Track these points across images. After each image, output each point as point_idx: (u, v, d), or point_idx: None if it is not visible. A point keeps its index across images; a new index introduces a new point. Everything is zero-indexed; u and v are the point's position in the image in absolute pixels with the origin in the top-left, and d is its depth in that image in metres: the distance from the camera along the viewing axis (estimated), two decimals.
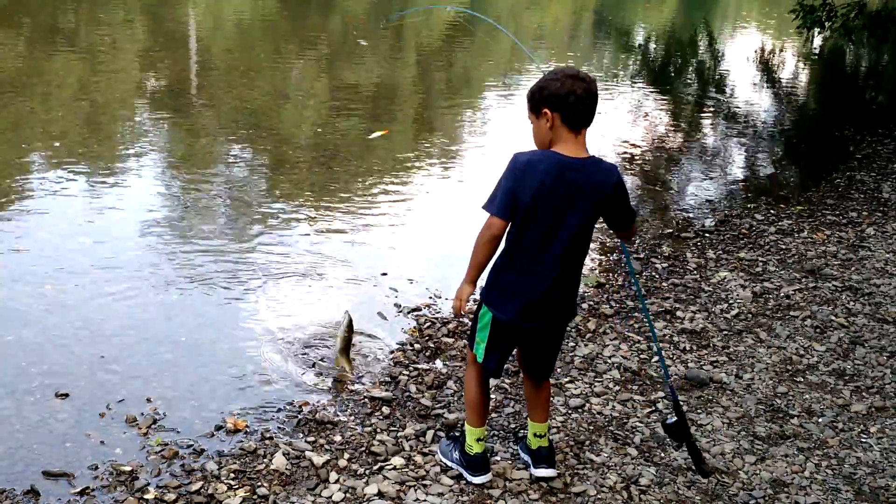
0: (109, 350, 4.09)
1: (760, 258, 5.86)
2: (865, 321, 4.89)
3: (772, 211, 7.08)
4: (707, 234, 6.42)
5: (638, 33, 20.36)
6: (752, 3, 28.50)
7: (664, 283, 5.36)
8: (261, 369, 4.04)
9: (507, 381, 3.99)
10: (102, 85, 9.72)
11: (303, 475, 3.21)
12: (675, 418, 3.21)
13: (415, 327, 4.60)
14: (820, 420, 3.86)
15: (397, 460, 3.30)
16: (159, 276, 4.92)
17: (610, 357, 4.31)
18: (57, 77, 9.83)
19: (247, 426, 3.56)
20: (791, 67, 16.40)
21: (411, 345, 4.38)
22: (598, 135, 7.39)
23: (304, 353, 4.22)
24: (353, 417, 3.66)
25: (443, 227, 6.17)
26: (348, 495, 3.08)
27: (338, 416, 3.67)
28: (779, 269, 5.65)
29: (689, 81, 14.25)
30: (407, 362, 4.19)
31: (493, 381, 3.94)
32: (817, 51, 17.10)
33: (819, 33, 13.82)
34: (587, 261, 4.06)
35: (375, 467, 3.26)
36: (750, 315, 4.93)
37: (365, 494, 3.08)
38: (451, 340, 4.42)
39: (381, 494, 3.08)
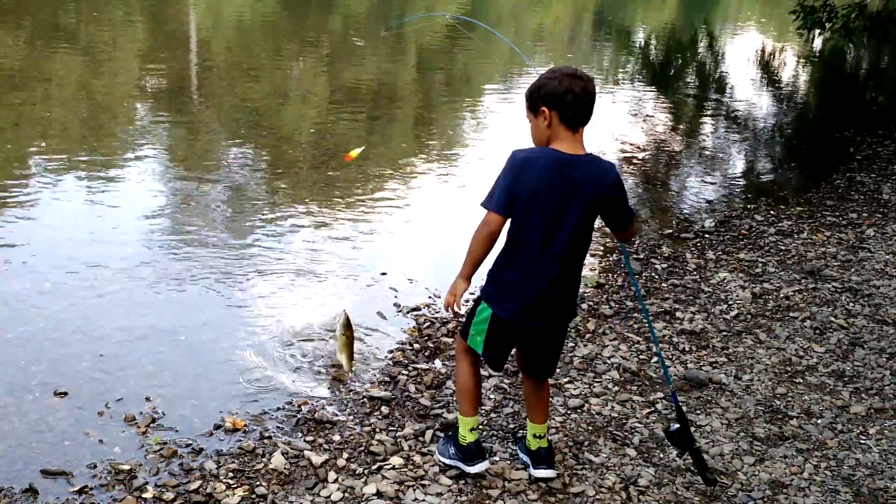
0: (109, 348, 4.09)
1: (760, 259, 5.86)
2: (865, 322, 4.89)
3: (772, 212, 7.08)
4: (707, 235, 6.42)
5: (638, 33, 20.37)
6: (752, 4, 28.50)
7: (664, 284, 5.36)
8: (260, 368, 4.04)
9: (506, 381, 3.99)
10: (103, 84, 9.72)
11: (301, 474, 3.21)
12: (677, 426, 3.20)
13: (414, 327, 4.60)
14: (819, 421, 3.86)
15: (396, 460, 3.29)
16: (159, 275, 4.92)
17: (609, 357, 4.31)
18: (57, 76, 9.83)
19: (245, 425, 3.56)
20: (791, 68, 16.41)
21: (410, 344, 4.38)
22: (598, 135, 7.39)
23: (304, 353, 4.21)
24: (351, 417, 3.66)
25: (442, 227, 6.17)
26: (347, 495, 3.08)
27: (337, 415, 3.67)
28: (778, 270, 5.65)
29: (689, 82, 14.26)
30: (406, 362, 4.19)
31: (492, 381, 3.96)
32: (818, 52, 17.10)
33: (819, 34, 13.81)
34: (587, 261, 4.06)
35: (374, 467, 3.25)
36: (749, 316, 4.92)
37: (363, 494, 3.08)
38: (450, 340, 4.42)
39: (379, 494, 3.08)
